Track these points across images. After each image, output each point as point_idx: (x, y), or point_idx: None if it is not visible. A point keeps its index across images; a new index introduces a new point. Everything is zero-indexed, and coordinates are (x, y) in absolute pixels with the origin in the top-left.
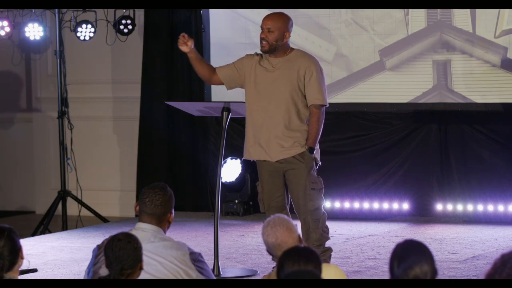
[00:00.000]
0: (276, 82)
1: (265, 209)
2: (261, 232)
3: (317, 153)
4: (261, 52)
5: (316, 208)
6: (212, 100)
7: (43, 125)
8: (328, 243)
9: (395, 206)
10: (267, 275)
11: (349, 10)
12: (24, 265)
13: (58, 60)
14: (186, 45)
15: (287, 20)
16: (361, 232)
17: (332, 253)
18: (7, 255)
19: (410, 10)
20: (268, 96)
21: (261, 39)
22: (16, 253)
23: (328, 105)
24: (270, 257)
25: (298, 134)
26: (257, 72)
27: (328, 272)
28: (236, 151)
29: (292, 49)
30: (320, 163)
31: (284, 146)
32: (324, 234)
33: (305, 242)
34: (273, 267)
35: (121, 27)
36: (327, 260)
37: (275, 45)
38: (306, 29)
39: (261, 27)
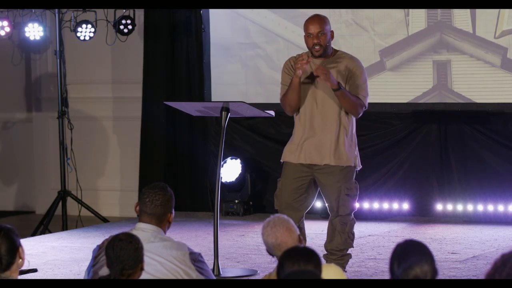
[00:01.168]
0: (321, 83)
1: (280, 206)
2: (261, 232)
3: (358, 159)
4: (294, 57)
5: (347, 213)
6: (212, 100)
7: (43, 125)
8: None
9: (395, 206)
10: (267, 275)
11: (350, 11)
12: (24, 265)
13: (58, 60)
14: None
15: (328, 19)
16: (361, 232)
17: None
18: (4, 255)
19: (410, 10)
20: (315, 100)
21: (314, 44)
22: (13, 253)
23: (367, 108)
24: (270, 257)
25: (344, 141)
26: (303, 76)
27: (328, 272)
28: (236, 151)
29: (335, 50)
30: (359, 167)
31: (326, 151)
32: (349, 240)
33: (328, 243)
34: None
35: (121, 27)
36: (344, 265)
37: (327, 47)
38: None
39: (309, 33)
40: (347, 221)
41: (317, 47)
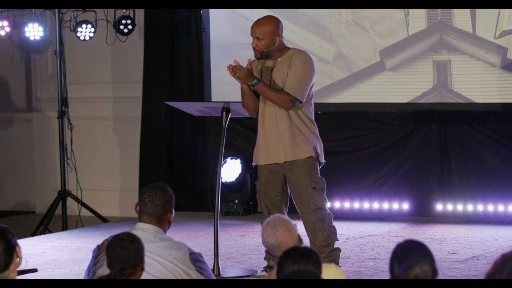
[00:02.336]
0: (273, 84)
1: (262, 208)
2: (261, 233)
3: (320, 152)
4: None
5: (318, 207)
6: (212, 100)
7: (43, 125)
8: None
9: (395, 206)
10: (267, 275)
11: (350, 11)
12: (22, 264)
13: (58, 60)
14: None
15: (275, 24)
16: (361, 232)
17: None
18: (1, 255)
19: (410, 10)
20: (265, 100)
21: (253, 48)
22: (10, 253)
23: (302, 101)
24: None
25: (299, 135)
26: (261, 76)
27: (328, 272)
28: (236, 151)
29: (288, 48)
30: (324, 162)
31: (280, 149)
32: (331, 234)
33: (312, 242)
34: (264, 267)
35: (121, 27)
36: (337, 261)
37: (266, 51)
38: (307, 29)
39: (251, 35)
40: (324, 216)
41: (255, 51)
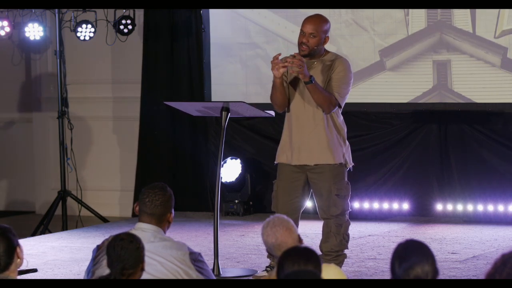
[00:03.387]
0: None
1: (277, 207)
2: (261, 233)
3: (348, 157)
4: (292, 55)
5: (338, 214)
6: (212, 100)
7: (43, 125)
8: None
9: (395, 206)
10: (267, 275)
11: (349, 10)
12: (23, 265)
13: (58, 60)
14: (279, 70)
15: (328, 23)
16: (361, 232)
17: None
18: (1, 255)
19: (410, 10)
20: (302, 99)
21: (302, 43)
22: (11, 253)
23: (341, 108)
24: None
25: (333, 139)
26: (291, 76)
27: (328, 272)
28: (236, 151)
29: (327, 51)
30: (351, 165)
31: (314, 151)
32: (344, 241)
33: (322, 245)
34: (266, 267)
35: (121, 27)
36: (339, 265)
37: (315, 49)
38: None
39: (302, 30)
40: (342, 222)
41: (304, 47)
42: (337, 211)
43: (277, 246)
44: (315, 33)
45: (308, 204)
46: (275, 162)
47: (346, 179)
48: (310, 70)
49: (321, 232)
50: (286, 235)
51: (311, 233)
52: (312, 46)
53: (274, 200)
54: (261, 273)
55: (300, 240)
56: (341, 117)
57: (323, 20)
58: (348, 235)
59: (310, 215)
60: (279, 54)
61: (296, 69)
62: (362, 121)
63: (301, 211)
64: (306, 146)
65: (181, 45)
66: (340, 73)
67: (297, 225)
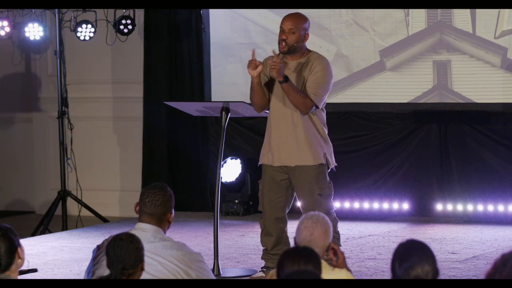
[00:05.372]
0: None
1: (263, 207)
2: (300, 221)
3: (330, 157)
4: (276, 54)
5: (325, 213)
6: (212, 100)
7: (43, 125)
8: None
9: (395, 206)
10: (266, 276)
11: (350, 11)
12: (24, 265)
13: (58, 60)
14: (255, 69)
15: (307, 20)
16: (361, 232)
17: None
18: (2, 255)
19: (410, 10)
20: (282, 100)
21: (281, 40)
22: (12, 253)
23: (319, 108)
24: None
25: (313, 140)
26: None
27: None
28: (236, 151)
29: (309, 50)
30: (334, 165)
31: (293, 152)
32: (334, 239)
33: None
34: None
35: (121, 27)
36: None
37: (294, 46)
38: None
39: (281, 27)
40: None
41: (282, 43)
42: (322, 211)
43: (307, 241)
44: (294, 29)
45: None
46: (258, 163)
47: (328, 178)
48: (290, 70)
49: None
50: (322, 235)
51: None
52: (292, 43)
53: (260, 200)
54: (257, 274)
55: (329, 248)
56: (322, 117)
57: (302, 17)
58: (338, 233)
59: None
60: (254, 50)
61: (272, 70)
62: (362, 121)
63: (288, 210)
64: (285, 147)
65: (181, 45)
66: (317, 73)
67: (286, 224)
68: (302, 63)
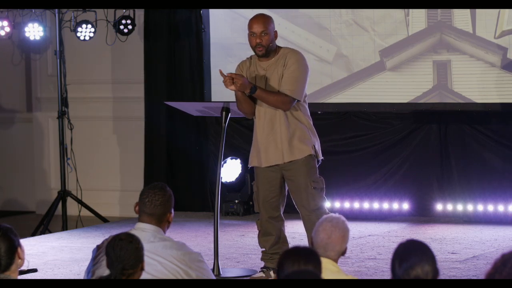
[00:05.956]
0: (268, 84)
1: (259, 208)
2: (318, 222)
3: (318, 149)
4: (248, 58)
5: (318, 207)
6: (212, 100)
7: (43, 125)
8: None
9: (395, 206)
10: (265, 276)
11: (350, 11)
12: (24, 265)
13: (58, 60)
14: (233, 85)
15: (272, 20)
16: (361, 232)
17: None
18: (2, 255)
19: (410, 10)
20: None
21: (257, 44)
22: (12, 253)
23: (300, 100)
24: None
25: (298, 135)
26: (251, 80)
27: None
28: (236, 151)
29: (279, 47)
30: (321, 159)
31: (281, 150)
32: None
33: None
34: (261, 268)
35: (121, 27)
36: None
37: (270, 47)
38: (307, 29)
39: (252, 32)
40: (323, 215)
41: (259, 47)
42: (317, 205)
43: (324, 243)
44: (266, 31)
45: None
46: (248, 166)
47: (318, 173)
48: (264, 70)
49: (305, 229)
50: (339, 239)
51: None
52: (267, 44)
53: (256, 202)
54: (257, 275)
55: (344, 253)
56: (306, 109)
57: (268, 17)
58: None
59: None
60: (220, 70)
61: (234, 87)
62: (362, 121)
63: (282, 209)
64: (272, 146)
65: (181, 45)
66: (291, 67)
67: (283, 223)
68: (276, 60)
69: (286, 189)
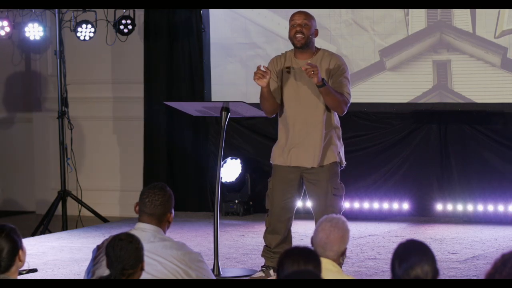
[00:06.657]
0: (305, 84)
1: (271, 206)
2: (318, 221)
3: (343, 156)
4: (283, 53)
5: (335, 213)
6: (212, 100)
7: (43, 125)
8: None
9: (395, 206)
10: (265, 276)
11: (349, 10)
12: (23, 266)
13: (58, 60)
14: (264, 79)
15: (314, 18)
16: (361, 232)
17: None
18: (4, 257)
19: (410, 10)
20: (298, 101)
21: (297, 32)
22: (13, 255)
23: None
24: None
25: (329, 141)
26: (285, 76)
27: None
28: (236, 151)
29: (318, 48)
30: (344, 164)
31: (312, 153)
32: None
33: None
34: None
35: (121, 27)
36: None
37: (309, 39)
38: None
39: (294, 23)
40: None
41: (299, 35)
42: (334, 211)
43: (322, 243)
44: (307, 22)
45: (299, 204)
46: (270, 162)
47: (339, 179)
48: (301, 69)
49: None
50: (338, 240)
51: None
52: (308, 34)
53: (269, 199)
54: (257, 274)
55: (343, 254)
56: (337, 116)
57: (310, 14)
58: None
59: (301, 215)
60: (260, 66)
61: (308, 73)
62: (362, 121)
63: (294, 211)
64: (304, 148)
65: (181, 45)
66: (342, 70)
67: (290, 224)
68: (316, 61)
69: (302, 194)
